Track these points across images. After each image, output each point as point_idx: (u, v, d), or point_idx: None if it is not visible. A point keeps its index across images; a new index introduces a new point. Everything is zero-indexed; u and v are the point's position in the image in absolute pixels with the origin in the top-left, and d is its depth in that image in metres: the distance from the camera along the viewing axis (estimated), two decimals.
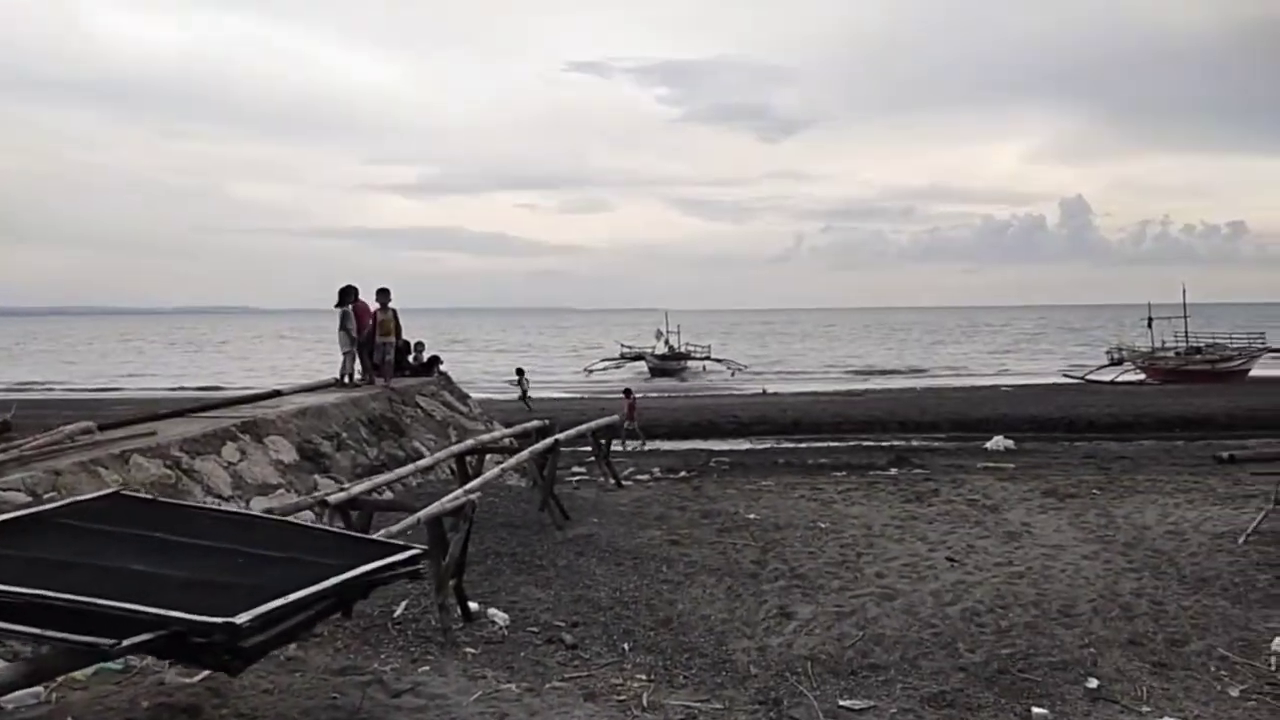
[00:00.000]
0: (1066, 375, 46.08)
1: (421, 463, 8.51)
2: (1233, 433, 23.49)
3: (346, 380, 13.82)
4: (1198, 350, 42.20)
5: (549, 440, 9.00)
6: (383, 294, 13.73)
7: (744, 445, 22.50)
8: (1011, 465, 16.49)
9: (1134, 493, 11.36)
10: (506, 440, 10.17)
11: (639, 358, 55.21)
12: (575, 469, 16.54)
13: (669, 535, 8.73)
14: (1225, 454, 8.36)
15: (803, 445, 22.04)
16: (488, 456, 9.74)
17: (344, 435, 11.00)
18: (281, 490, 8.80)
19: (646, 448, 20.88)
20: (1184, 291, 43.53)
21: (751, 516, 9.69)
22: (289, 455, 9.54)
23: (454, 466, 9.56)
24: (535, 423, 11.69)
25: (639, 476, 15.41)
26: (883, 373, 55.22)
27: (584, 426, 11.47)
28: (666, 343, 55.57)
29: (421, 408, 13.72)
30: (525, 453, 8.22)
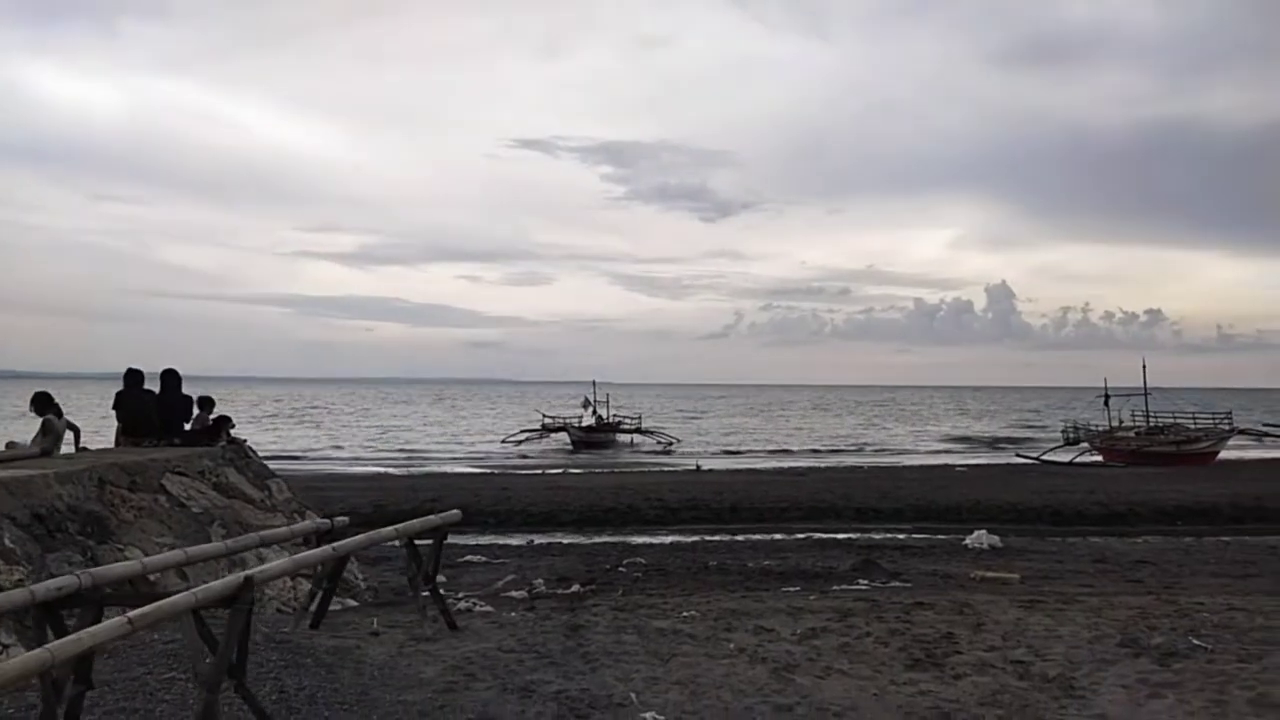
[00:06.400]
0: (1020, 455, 43.16)
1: None
2: (1240, 525, 20.02)
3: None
4: (1159, 430, 39.53)
5: (222, 583, 4.25)
6: None
7: (668, 539, 18.07)
8: (1016, 576, 12.36)
9: (1263, 640, 7.29)
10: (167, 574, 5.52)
11: (562, 429, 50.75)
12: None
13: None
14: None
15: (740, 539, 17.68)
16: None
17: None
18: None
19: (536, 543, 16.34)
20: (1144, 370, 41.19)
21: (647, 717, 5.20)
22: None
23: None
24: (307, 524, 7.18)
25: (511, 594, 10.85)
26: (826, 451, 51.64)
27: (378, 532, 6.85)
28: (594, 413, 51.29)
29: (168, 493, 9.04)
30: (149, 607, 3.50)
